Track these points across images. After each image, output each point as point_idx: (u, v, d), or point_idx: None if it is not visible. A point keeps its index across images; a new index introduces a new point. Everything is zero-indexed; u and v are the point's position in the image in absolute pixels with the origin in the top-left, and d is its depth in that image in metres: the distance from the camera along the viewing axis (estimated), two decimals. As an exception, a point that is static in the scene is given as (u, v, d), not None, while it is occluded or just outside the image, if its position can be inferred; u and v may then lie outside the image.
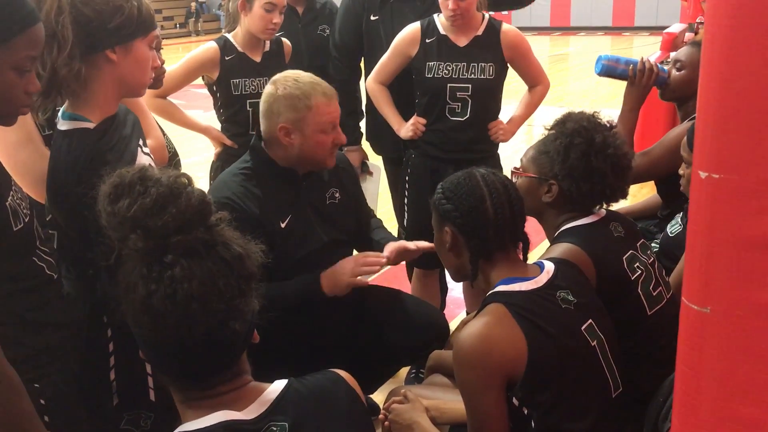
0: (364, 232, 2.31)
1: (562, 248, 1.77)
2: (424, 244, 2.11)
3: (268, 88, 2.05)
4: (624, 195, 1.90)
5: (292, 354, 2.04)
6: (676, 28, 6.11)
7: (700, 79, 0.84)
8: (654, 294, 1.83)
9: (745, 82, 0.79)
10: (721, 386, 0.83)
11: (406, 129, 2.80)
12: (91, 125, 1.52)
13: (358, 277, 2.04)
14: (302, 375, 1.18)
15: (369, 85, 2.89)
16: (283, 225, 2.03)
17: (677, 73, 2.47)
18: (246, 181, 2.04)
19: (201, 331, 1.02)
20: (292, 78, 2.02)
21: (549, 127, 1.92)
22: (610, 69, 2.48)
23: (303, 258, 2.07)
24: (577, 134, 1.81)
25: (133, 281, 1.03)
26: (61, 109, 1.56)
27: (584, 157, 1.79)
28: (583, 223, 1.84)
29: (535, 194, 1.87)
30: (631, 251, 1.83)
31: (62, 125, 1.53)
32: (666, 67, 2.48)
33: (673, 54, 2.56)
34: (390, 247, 2.14)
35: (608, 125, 1.88)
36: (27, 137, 1.66)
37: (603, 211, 1.90)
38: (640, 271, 1.81)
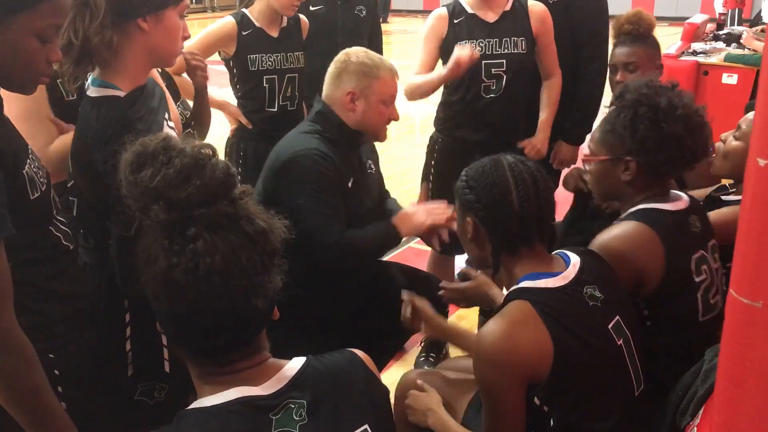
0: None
1: (629, 226, 1.66)
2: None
3: (341, 56, 2.16)
4: (706, 153, 1.75)
5: (303, 325, 2.04)
6: (698, 18, 6.03)
7: (762, 60, 0.79)
8: (711, 302, 1.71)
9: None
10: (771, 386, 0.79)
11: (462, 52, 2.40)
12: (121, 93, 1.51)
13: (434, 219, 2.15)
14: (311, 346, 1.16)
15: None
16: (349, 185, 2.15)
17: (631, 74, 2.43)
18: (320, 141, 2.12)
19: (222, 307, 0.99)
20: (363, 51, 2.18)
21: (608, 105, 1.81)
22: None
23: (359, 217, 2.17)
24: (639, 103, 1.68)
25: (154, 253, 1.00)
26: (91, 77, 1.55)
27: (653, 125, 1.66)
28: (665, 209, 1.71)
29: (613, 176, 1.73)
30: (701, 252, 1.71)
31: (92, 92, 1.53)
32: None
33: (617, 55, 2.51)
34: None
35: (670, 85, 1.74)
36: (26, 113, 1.63)
37: (687, 200, 1.77)
38: (704, 275, 1.69)
